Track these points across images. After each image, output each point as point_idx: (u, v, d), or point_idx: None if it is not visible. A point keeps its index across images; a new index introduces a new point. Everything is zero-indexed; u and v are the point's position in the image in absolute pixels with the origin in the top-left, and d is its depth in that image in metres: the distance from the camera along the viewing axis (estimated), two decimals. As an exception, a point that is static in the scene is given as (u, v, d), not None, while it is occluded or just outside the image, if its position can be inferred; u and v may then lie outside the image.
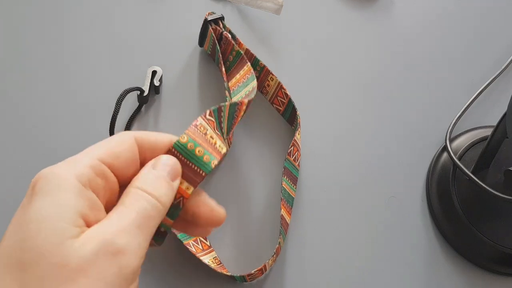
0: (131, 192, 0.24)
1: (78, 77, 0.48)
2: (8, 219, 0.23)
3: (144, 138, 0.26)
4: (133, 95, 0.46)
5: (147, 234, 0.23)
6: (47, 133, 0.45)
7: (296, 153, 0.45)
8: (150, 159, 0.26)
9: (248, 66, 0.45)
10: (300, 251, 0.43)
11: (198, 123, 0.30)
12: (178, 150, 0.29)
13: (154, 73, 0.46)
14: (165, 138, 0.27)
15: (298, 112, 0.46)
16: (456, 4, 0.55)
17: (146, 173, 0.25)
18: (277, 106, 0.48)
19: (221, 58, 0.46)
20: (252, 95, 0.40)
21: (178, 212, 0.27)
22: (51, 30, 0.49)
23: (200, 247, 0.41)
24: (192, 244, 0.40)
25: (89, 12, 0.50)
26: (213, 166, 0.28)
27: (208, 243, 0.42)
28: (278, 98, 0.47)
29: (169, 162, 0.26)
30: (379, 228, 0.44)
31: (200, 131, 0.30)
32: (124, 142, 0.25)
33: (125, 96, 0.42)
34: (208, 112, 0.31)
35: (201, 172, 0.28)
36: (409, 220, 0.45)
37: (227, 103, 0.34)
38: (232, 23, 0.51)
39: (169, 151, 0.28)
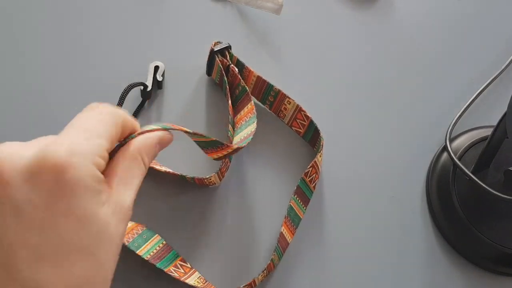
0: (138, 162, 0.27)
1: (82, 73, 0.48)
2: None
3: (126, 120, 0.28)
4: (136, 91, 0.46)
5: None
6: (52, 129, 0.45)
7: (314, 175, 0.43)
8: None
9: (251, 104, 0.44)
10: (298, 250, 0.43)
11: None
12: None
13: (156, 68, 0.47)
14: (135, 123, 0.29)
15: (321, 134, 0.44)
16: (456, 4, 0.55)
17: (150, 142, 0.28)
18: (296, 129, 0.47)
19: (229, 93, 0.45)
20: (243, 144, 0.40)
21: None
22: (56, 27, 0.49)
23: (182, 270, 0.40)
24: (173, 270, 0.40)
25: (93, 11, 0.51)
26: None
27: (189, 265, 0.41)
28: (297, 120, 0.46)
29: (166, 139, 0.29)
30: (379, 227, 0.44)
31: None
32: (117, 127, 0.26)
33: (129, 91, 0.42)
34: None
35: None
36: (409, 220, 0.45)
37: (208, 139, 0.35)
38: (232, 23, 0.51)
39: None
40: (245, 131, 0.43)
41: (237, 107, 0.46)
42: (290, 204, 0.42)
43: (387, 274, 0.43)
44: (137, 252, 0.39)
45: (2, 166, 0.22)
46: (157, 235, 0.41)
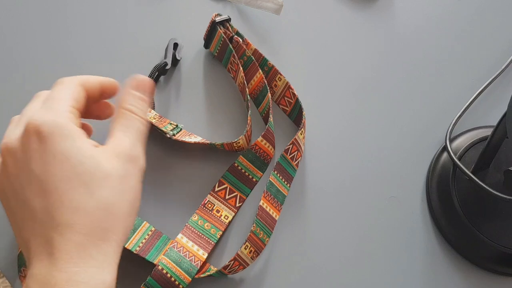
0: (126, 115, 0.32)
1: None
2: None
3: (84, 82, 0.34)
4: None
5: (143, 143, 0.33)
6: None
7: (296, 153, 0.44)
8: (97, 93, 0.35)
9: (260, 73, 0.46)
10: (298, 250, 0.43)
11: (206, 202, 0.42)
12: (192, 225, 0.41)
13: (175, 45, 0.47)
14: (95, 79, 0.35)
15: (304, 112, 0.46)
16: (456, 4, 0.55)
17: (132, 97, 0.33)
18: (283, 107, 0.48)
19: (237, 58, 0.46)
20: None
21: (195, 272, 0.39)
22: (55, 29, 0.49)
23: None
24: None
25: (94, 12, 0.51)
26: (218, 236, 0.41)
27: None
28: (285, 98, 0.47)
29: (145, 83, 0.34)
30: (379, 228, 0.44)
31: (207, 208, 0.42)
32: (79, 88, 0.33)
33: (156, 74, 0.44)
34: (217, 184, 0.43)
35: (210, 241, 0.41)
36: (409, 220, 0.45)
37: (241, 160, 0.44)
38: (232, 23, 0.51)
39: (186, 227, 0.41)
40: (265, 103, 0.46)
41: (244, 76, 0.47)
42: (270, 180, 0.43)
43: (387, 274, 0.43)
44: (126, 246, 0.39)
45: (6, 143, 0.31)
46: (145, 222, 0.41)
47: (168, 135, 0.43)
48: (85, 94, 0.34)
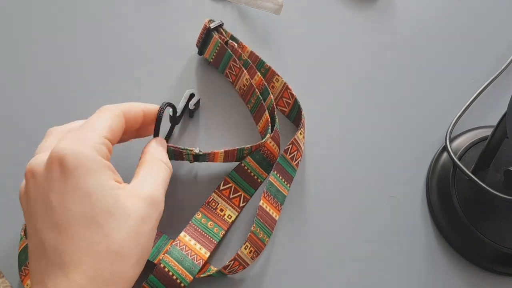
0: (156, 162, 0.33)
1: (77, 86, 0.48)
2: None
3: (128, 110, 0.34)
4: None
5: (165, 190, 0.33)
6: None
7: (295, 153, 0.44)
8: (134, 122, 0.35)
9: (258, 75, 0.46)
10: (298, 250, 0.43)
11: (210, 200, 0.42)
12: (195, 223, 0.41)
13: (192, 96, 0.45)
14: (139, 106, 0.35)
15: (303, 112, 0.46)
16: (456, 4, 0.55)
17: (161, 149, 0.35)
18: (282, 108, 0.48)
19: (238, 62, 0.46)
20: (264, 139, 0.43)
21: (197, 271, 0.39)
22: (47, 38, 0.49)
23: None
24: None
25: (87, 20, 0.51)
26: (221, 235, 0.41)
27: None
28: (283, 99, 0.47)
29: (164, 142, 0.37)
30: (379, 228, 0.44)
31: (211, 207, 0.42)
32: (117, 119, 0.32)
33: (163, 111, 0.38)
34: (222, 182, 0.43)
35: (213, 240, 0.41)
36: (409, 220, 0.45)
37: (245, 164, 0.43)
38: (232, 23, 0.51)
39: (189, 225, 0.41)
40: (270, 97, 0.46)
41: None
42: (270, 180, 0.42)
43: (387, 274, 0.43)
44: None
45: (31, 165, 0.30)
46: None
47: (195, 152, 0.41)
48: (123, 125, 0.33)
